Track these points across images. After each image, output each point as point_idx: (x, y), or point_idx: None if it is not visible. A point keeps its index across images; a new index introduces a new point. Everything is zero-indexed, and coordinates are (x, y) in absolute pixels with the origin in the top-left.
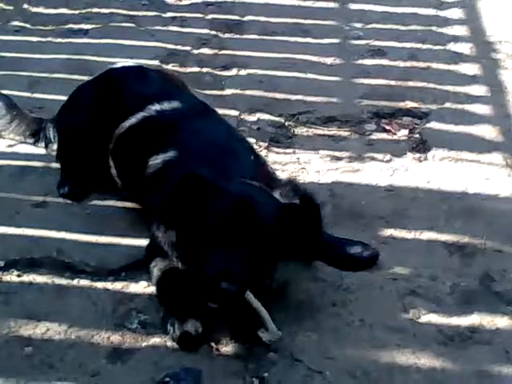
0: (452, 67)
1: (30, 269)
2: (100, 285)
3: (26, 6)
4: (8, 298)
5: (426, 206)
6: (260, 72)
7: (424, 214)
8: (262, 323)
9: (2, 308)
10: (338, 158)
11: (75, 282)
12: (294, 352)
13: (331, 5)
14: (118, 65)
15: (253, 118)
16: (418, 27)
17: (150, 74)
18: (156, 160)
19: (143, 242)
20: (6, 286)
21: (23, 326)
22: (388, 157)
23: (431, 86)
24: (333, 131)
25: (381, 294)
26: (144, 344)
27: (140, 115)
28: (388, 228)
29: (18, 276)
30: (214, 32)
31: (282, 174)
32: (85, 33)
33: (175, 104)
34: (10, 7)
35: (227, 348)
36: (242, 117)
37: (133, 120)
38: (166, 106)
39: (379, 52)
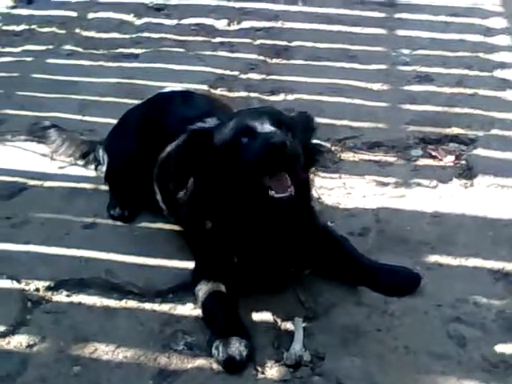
0: (499, 94)
1: (79, 289)
2: (147, 306)
3: (78, 30)
4: (57, 318)
5: (471, 232)
6: (307, 97)
7: (469, 240)
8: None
9: (52, 327)
10: (384, 184)
11: (123, 302)
12: (338, 376)
13: (379, 31)
14: (167, 89)
15: None
16: (465, 53)
17: (196, 97)
18: None
19: (190, 265)
20: (56, 305)
21: (72, 345)
22: (434, 183)
23: (478, 112)
24: (379, 156)
25: (425, 320)
26: (190, 366)
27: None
28: (433, 254)
29: (68, 296)
30: (262, 57)
31: (328, 199)
32: (135, 57)
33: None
34: (63, 31)
35: (272, 371)
36: None
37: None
38: (206, 125)
39: (426, 78)
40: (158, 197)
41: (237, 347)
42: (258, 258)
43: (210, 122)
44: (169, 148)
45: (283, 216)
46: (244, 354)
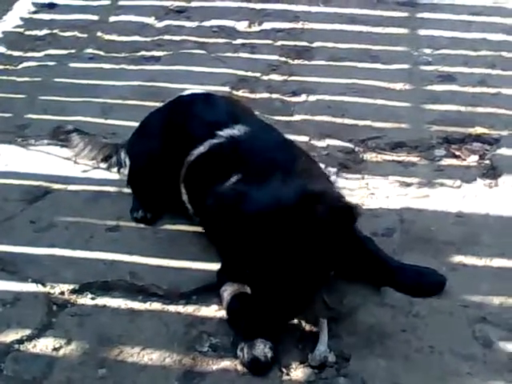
0: None
1: (104, 292)
2: (172, 308)
3: (99, 33)
4: (82, 321)
5: (496, 232)
6: (329, 98)
7: (494, 240)
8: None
9: (77, 330)
10: (408, 184)
11: (147, 305)
12: (363, 377)
13: (400, 31)
14: (188, 92)
15: (322, 143)
16: (488, 52)
17: (218, 100)
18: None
19: (214, 266)
20: (81, 308)
21: (97, 348)
22: (458, 183)
23: (501, 111)
24: (402, 157)
25: (451, 320)
26: (215, 367)
27: (208, 142)
28: (458, 254)
29: (92, 299)
30: (283, 58)
31: (351, 200)
32: (157, 59)
33: (243, 129)
34: (84, 35)
35: (297, 372)
36: (311, 142)
37: (201, 147)
38: (234, 132)
39: (448, 77)
40: (185, 197)
41: (262, 349)
42: None
43: (235, 129)
44: (196, 151)
45: None
46: (269, 355)
